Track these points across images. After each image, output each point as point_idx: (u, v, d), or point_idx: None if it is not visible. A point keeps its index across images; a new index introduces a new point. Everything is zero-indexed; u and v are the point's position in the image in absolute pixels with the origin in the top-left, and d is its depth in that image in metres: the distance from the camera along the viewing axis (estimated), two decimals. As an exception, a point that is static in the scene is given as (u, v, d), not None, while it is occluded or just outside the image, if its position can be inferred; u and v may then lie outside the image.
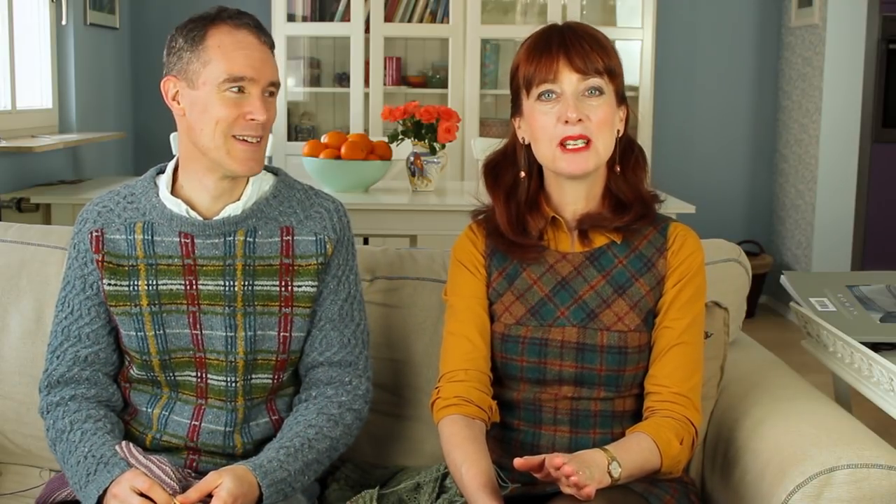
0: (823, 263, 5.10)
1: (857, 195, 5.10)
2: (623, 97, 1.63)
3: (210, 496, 1.46)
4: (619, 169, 1.64)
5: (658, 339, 1.62)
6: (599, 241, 1.65)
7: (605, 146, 1.59)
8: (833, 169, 5.09)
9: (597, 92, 1.58)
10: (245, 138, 1.57)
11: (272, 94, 1.61)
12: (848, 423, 1.63)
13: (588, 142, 1.57)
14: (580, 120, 1.56)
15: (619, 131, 1.63)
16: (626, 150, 1.66)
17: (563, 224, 1.65)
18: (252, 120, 1.56)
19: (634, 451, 1.51)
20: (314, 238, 1.67)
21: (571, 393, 1.61)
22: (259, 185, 1.67)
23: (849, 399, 2.30)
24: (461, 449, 1.54)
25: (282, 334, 1.65)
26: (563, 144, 1.58)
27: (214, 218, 1.63)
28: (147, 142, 5.41)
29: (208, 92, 1.56)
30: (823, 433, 1.57)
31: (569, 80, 1.57)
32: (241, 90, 1.56)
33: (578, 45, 1.58)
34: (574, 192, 1.64)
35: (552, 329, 1.61)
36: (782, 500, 1.48)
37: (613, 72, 1.59)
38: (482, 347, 1.64)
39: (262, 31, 1.60)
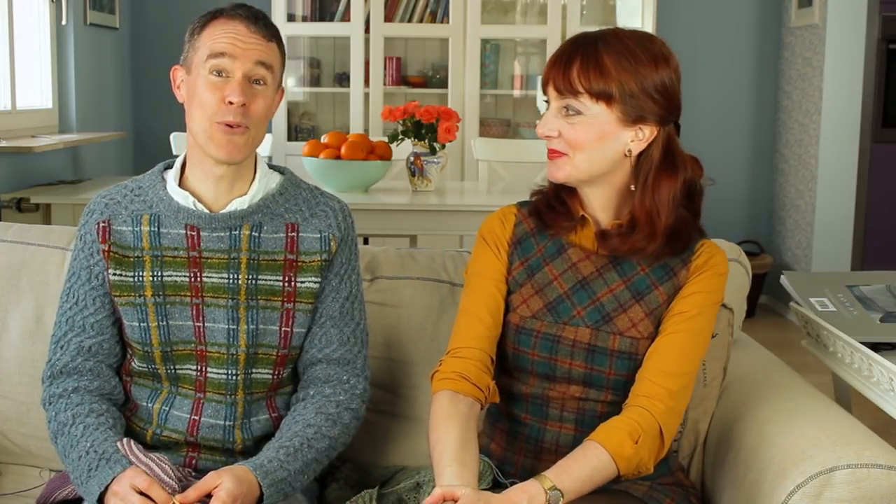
0: (823, 263, 5.10)
1: (857, 195, 5.10)
2: (639, 117, 1.56)
3: (209, 496, 1.46)
4: (632, 188, 1.60)
5: (659, 332, 1.60)
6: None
7: (585, 162, 1.57)
8: (833, 169, 5.09)
9: (573, 111, 1.56)
10: (225, 123, 1.58)
11: (260, 82, 1.60)
12: (848, 423, 1.63)
13: (564, 152, 1.58)
14: (551, 136, 1.58)
15: (629, 151, 1.58)
16: (653, 169, 1.59)
17: (590, 223, 1.64)
18: (230, 103, 1.56)
19: (579, 467, 1.49)
20: (319, 235, 1.68)
21: (579, 393, 1.61)
22: (266, 183, 1.69)
23: (849, 399, 2.30)
24: (436, 431, 1.55)
25: (283, 329, 1.66)
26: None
27: (221, 211, 1.64)
28: (147, 142, 5.41)
29: (196, 76, 1.60)
30: (823, 433, 1.56)
31: (552, 95, 1.59)
32: (223, 74, 1.58)
33: (569, 64, 1.56)
34: (587, 196, 1.64)
35: (566, 327, 1.61)
36: (782, 500, 1.48)
37: (605, 94, 1.54)
38: (491, 328, 1.64)
39: (255, 22, 1.60)
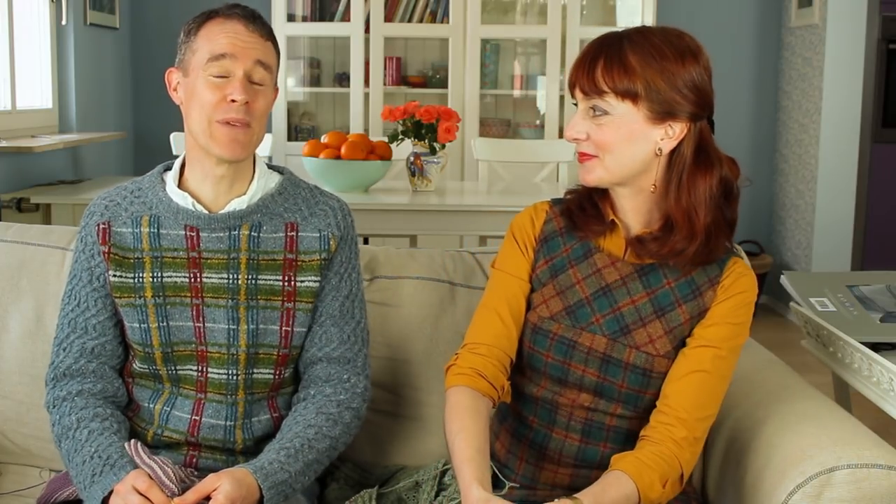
0: (823, 263, 5.10)
1: (857, 195, 5.10)
2: (668, 114, 1.52)
3: (208, 498, 1.46)
4: (654, 187, 1.56)
5: (682, 360, 1.57)
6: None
7: (615, 163, 1.54)
8: (833, 169, 5.09)
9: (600, 112, 1.53)
10: (227, 121, 1.58)
11: (261, 83, 1.61)
12: (848, 423, 1.63)
13: (594, 154, 1.56)
14: (579, 139, 1.55)
15: (660, 150, 1.54)
16: (686, 166, 1.56)
17: (620, 229, 1.62)
18: (233, 101, 1.57)
19: (612, 499, 1.46)
20: (318, 234, 1.68)
21: (589, 402, 1.59)
22: (265, 182, 1.69)
23: (849, 399, 2.30)
24: (460, 420, 1.53)
25: (284, 329, 1.66)
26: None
27: (220, 212, 1.64)
28: (147, 142, 5.41)
29: (195, 77, 1.60)
30: (823, 433, 1.56)
31: (579, 97, 1.56)
32: (224, 75, 1.58)
33: (594, 64, 1.53)
34: (619, 200, 1.61)
35: (583, 333, 1.59)
36: (782, 500, 1.48)
37: (630, 92, 1.51)
38: (510, 327, 1.62)
39: (253, 21, 1.62)
